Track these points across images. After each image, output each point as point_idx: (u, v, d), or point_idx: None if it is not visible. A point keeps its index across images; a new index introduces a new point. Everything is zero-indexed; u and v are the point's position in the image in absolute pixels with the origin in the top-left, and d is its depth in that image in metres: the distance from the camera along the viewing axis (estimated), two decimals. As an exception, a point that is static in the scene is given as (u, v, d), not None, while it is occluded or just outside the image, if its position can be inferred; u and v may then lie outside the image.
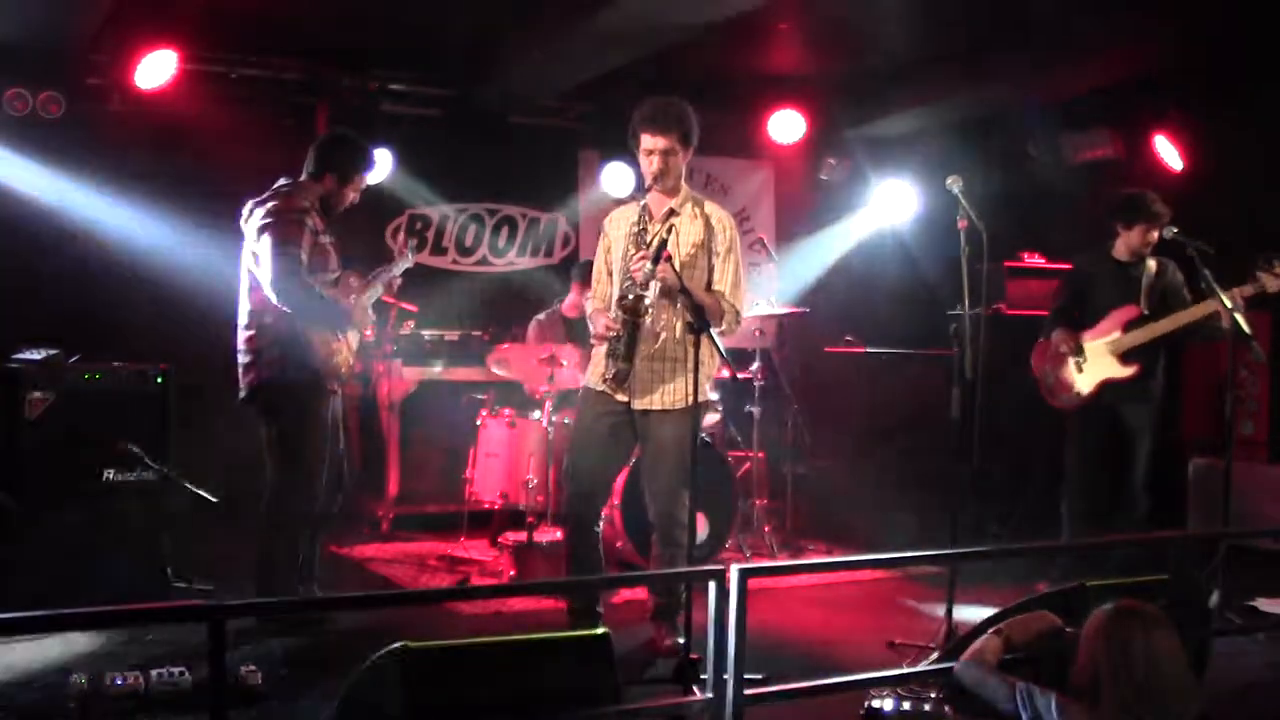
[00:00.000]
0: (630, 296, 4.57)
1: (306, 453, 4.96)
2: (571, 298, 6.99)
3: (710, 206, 4.86)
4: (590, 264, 6.54)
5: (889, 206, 8.53)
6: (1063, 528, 6.19)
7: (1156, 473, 6.12)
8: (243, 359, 4.96)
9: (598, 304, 4.91)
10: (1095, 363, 6.07)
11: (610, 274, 4.87)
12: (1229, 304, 5.53)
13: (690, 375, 4.58)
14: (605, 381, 4.76)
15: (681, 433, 4.69)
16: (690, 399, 4.63)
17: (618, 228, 4.88)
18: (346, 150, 5.20)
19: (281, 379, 4.89)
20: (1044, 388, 6.27)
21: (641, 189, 4.87)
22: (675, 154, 4.70)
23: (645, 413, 4.76)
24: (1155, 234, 5.95)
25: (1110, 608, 2.81)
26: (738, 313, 4.77)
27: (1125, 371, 5.98)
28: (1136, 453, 6.03)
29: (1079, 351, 6.08)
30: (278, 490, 4.98)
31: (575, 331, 6.77)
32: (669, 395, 4.73)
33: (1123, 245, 6.06)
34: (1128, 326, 5.98)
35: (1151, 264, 6.06)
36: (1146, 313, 5.97)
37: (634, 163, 5.10)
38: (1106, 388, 6.04)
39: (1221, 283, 5.59)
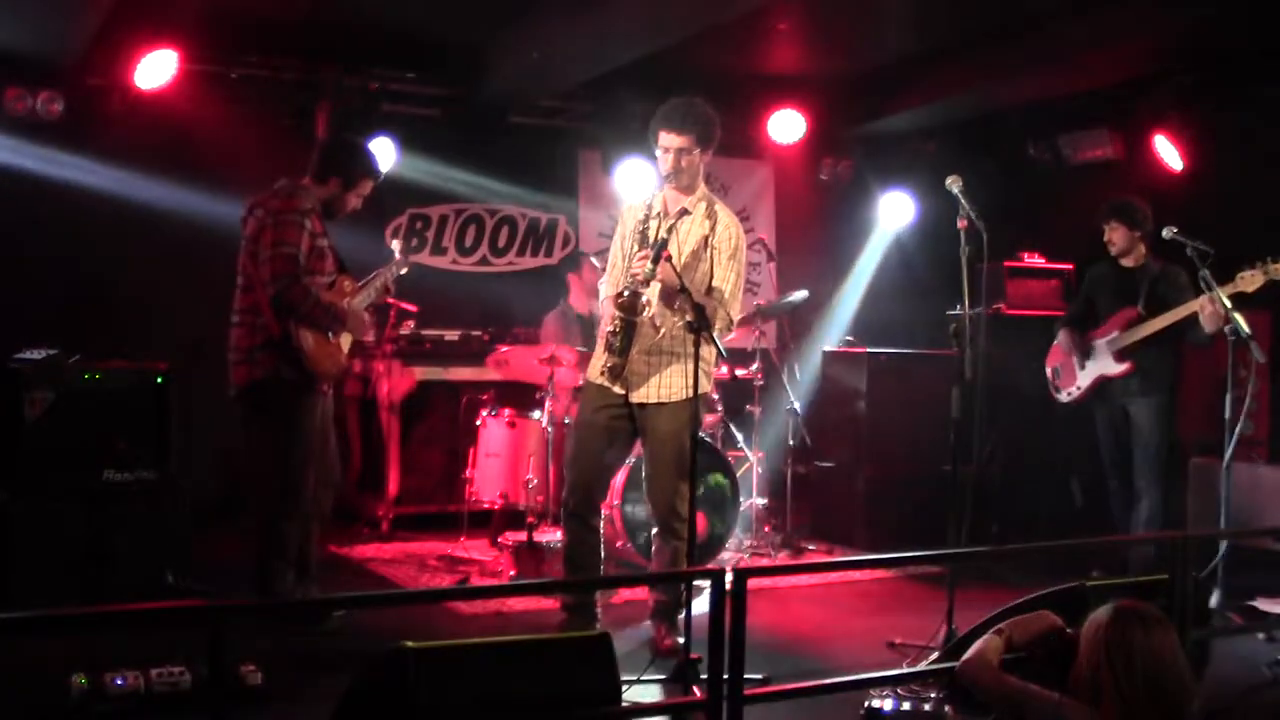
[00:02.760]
0: (627, 293, 4.58)
1: (296, 452, 4.96)
2: (573, 291, 7.00)
3: (722, 210, 4.86)
4: (579, 256, 6.52)
5: (891, 215, 8.55)
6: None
7: (1161, 468, 6.17)
8: (234, 357, 4.96)
9: (609, 290, 4.90)
10: (1095, 361, 6.28)
11: (625, 259, 4.88)
12: (1228, 304, 5.56)
13: (688, 369, 4.59)
14: (603, 374, 4.78)
15: (680, 426, 4.71)
16: (688, 391, 4.65)
17: (629, 218, 4.89)
18: (353, 156, 5.19)
19: (273, 378, 4.89)
20: (1052, 385, 6.47)
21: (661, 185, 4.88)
22: (690, 153, 4.71)
23: (643, 405, 4.78)
24: (1133, 233, 6.16)
25: (1109, 608, 2.81)
26: (731, 320, 4.77)
27: (1118, 369, 6.20)
28: (1140, 450, 6.12)
29: (1084, 351, 6.29)
30: (269, 489, 4.97)
31: (587, 327, 6.81)
32: (664, 388, 4.74)
33: (1112, 245, 6.24)
34: (1126, 326, 6.12)
35: (1155, 266, 6.16)
36: (1144, 313, 6.08)
37: (650, 159, 5.12)
38: (1113, 384, 6.20)
39: (1221, 283, 5.62)
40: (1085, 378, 6.31)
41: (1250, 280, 5.62)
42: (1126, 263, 6.25)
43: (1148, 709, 2.68)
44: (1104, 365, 6.22)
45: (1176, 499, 6.79)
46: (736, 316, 4.82)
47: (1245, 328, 5.56)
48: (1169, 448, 6.25)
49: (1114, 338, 6.19)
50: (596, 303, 5.18)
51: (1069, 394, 6.41)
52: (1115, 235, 6.22)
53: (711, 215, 4.80)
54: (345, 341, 5.14)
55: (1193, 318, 5.80)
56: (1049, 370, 6.54)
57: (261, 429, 5.01)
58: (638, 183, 5.07)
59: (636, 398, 4.77)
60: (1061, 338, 6.43)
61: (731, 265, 4.77)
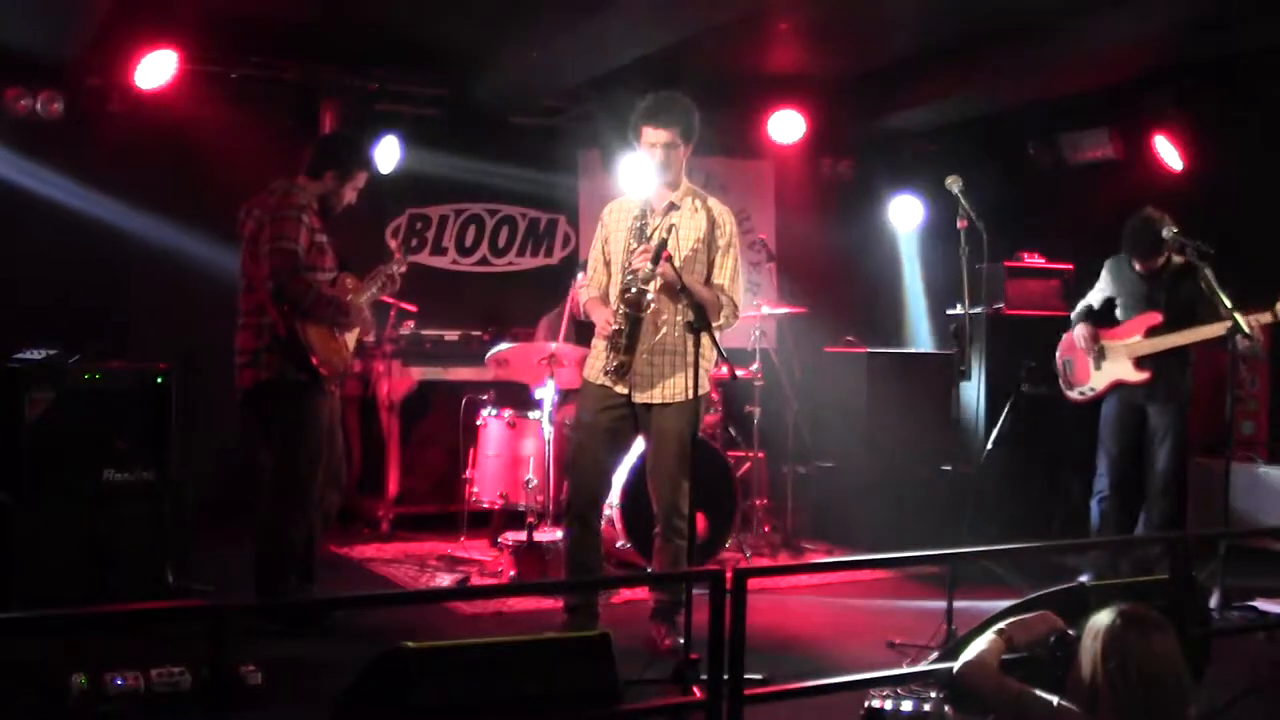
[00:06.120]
0: (633, 290, 4.60)
1: (304, 453, 4.97)
2: (574, 296, 6.99)
3: (712, 201, 4.91)
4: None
5: (899, 217, 8.57)
6: (1091, 523, 6.28)
7: (1178, 475, 6.14)
8: (241, 359, 4.97)
9: (593, 292, 4.94)
10: (1112, 362, 6.17)
11: (607, 264, 4.91)
12: (1229, 304, 5.55)
13: (690, 369, 4.61)
14: (605, 375, 4.78)
15: (682, 425, 4.74)
16: (691, 393, 4.66)
17: (617, 219, 4.90)
18: (346, 149, 5.22)
19: (279, 379, 4.90)
20: (1062, 378, 6.38)
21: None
22: (676, 148, 4.74)
23: (647, 406, 4.79)
24: (1160, 258, 6.02)
25: (1108, 612, 2.80)
26: (736, 306, 4.84)
27: (1138, 376, 6.07)
28: (1158, 454, 6.06)
29: (1099, 349, 6.17)
30: (275, 490, 4.98)
31: (582, 331, 6.78)
32: (670, 389, 4.76)
33: (1140, 265, 6.13)
34: (1148, 332, 6.04)
35: (1176, 262, 6.06)
36: (1167, 319, 6.00)
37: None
38: (1131, 388, 6.10)
39: (1225, 286, 5.60)
40: (1101, 379, 6.18)
41: None
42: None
43: (1144, 714, 2.68)
44: (1122, 370, 6.10)
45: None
46: (740, 304, 4.88)
47: (1246, 328, 5.55)
48: (1183, 452, 6.21)
49: (1134, 343, 6.08)
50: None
51: (1081, 392, 6.27)
52: (1138, 261, 6.10)
53: (702, 208, 4.84)
54: (351, 339, 5.15)
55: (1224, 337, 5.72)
56: (1059, 361, 6.40)
57: (268, 431, 5.01)
58: (638, 178, 5.09)
59: (640, 398, 4.78)
60: (1079, 331, 6.25)
61: (729, 254, 4.84)
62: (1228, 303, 5.55)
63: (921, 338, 8.89)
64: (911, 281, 9.03)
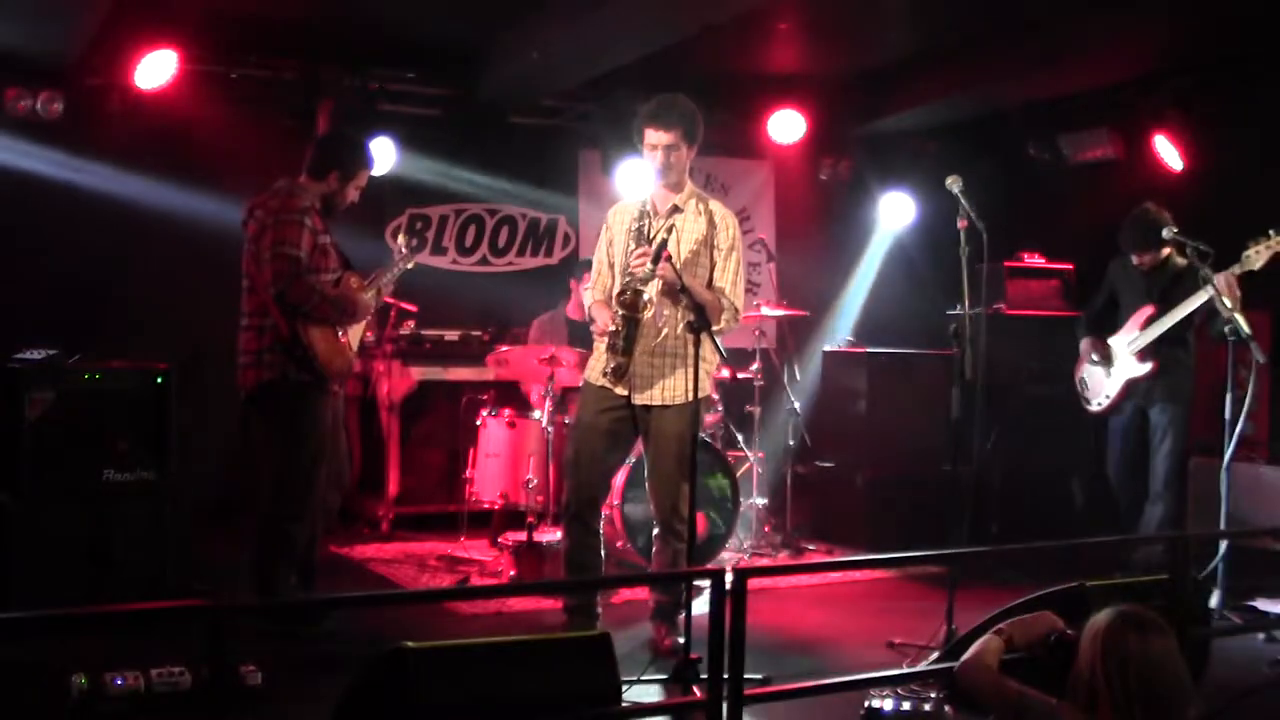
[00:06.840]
0: (629, 292, 4.60)
1: (306, 453, 4.97)
2: (574, 298, 6.99)
3: (715, 204, 4.90)
4: (587, 262, 6.58)
5: (891, 216, 8.58)
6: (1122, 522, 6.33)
7: (1178, 475, 6.14)
8: (244, 360, 4.97)
9: (597, 295, 4.94)
10: (1119, 363, 6.23)
11: (611, 266, 4.91)
12: (1221, 293, 5.56)
13: (690, 371, 4.60)
14: (605, 376, 4.78)
15: (682, 428, 4.73)
16: (691, 395, 4.65)
17: (620, 221, 4.89)
18: (349, 148, 5.22)
19: (283, 380, 4.89)
20: (1081, 394, 6.40)
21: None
22: (678, 149, 4.73)
23: (646, 408, 4.79)
24: (1162, 251, 6.06)
25: (1107, 614, 2.80)
26: (736, 310, 4.82)
27: (1143, 369, 6.13)
28: (1158, 454, 6.08)
29: (1107, 356, 6.22)
30: (278, 490, 4.98)
31: (577, 333, 6.77)
32: (669, 390, 4.75)
33: (1134, 257, 6.18)
34: (1145, 325, 6.08)
35: (1178, 263, 6.10)
36: (1162, 311, 6.02)
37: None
38: (1133, 387, 6.13)
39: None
40: (1113, 385, 6.22)
41: (1257, 257, 5.58)
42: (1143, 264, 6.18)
43: (1144, 715, 2.68)
44: (1129, 368, 6.15)
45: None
46: (741, 308, 4.87)
47: (1245, 328, 5.56)
48: (1183, 452, 6.22)
49: (1134, 338, 6.13)
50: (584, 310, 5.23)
51: (1099, 403, 6.33)
52: (1135, 256, 6.15)
53: (705, 211, 4.83)
54: (354, 337, 5.14)
55: (1211, 312, 5.74)
56: (1076, 380, 6.47)
57: (270, 431, 5.01)
58: (638, 182, 5.12)
59: (640, 400, 4.77)
60: (1084, 346, 6.34)
61: (731, 258, 4.82)
62: (1228, 303, 5.56)
63: (921, 338, 8.89)
64: (863, 278, 9.02)
